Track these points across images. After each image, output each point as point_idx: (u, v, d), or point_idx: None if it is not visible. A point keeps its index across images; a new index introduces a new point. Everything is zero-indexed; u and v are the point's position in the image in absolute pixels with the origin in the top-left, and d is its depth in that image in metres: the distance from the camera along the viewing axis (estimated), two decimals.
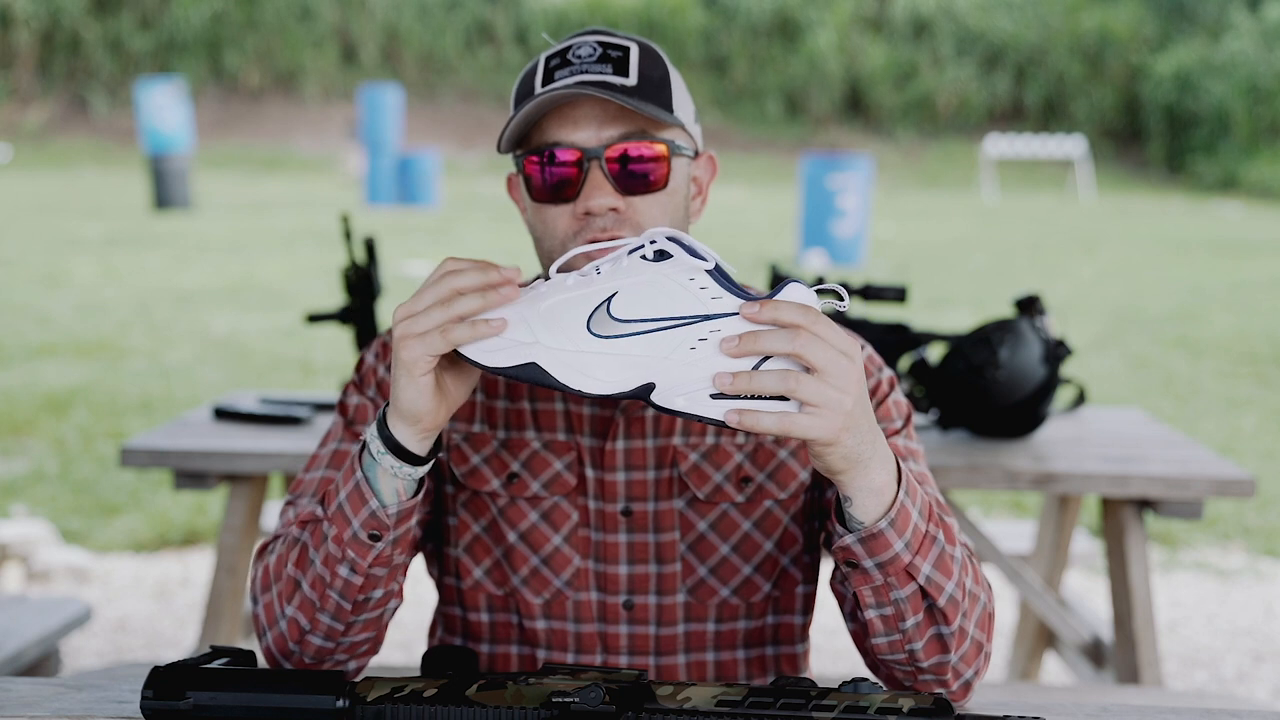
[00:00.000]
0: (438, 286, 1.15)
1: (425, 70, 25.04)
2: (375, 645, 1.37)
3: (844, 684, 1.08)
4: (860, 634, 1.30)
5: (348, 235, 2.67)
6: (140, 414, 6.08)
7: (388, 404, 1.21)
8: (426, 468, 1.23)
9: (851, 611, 1.29)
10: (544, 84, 1.35)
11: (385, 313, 5.81)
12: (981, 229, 15.32)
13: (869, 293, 2.42)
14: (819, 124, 24.79)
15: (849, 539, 1.19)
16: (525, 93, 1.37)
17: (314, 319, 2.73)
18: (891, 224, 15.22)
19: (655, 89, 1.35)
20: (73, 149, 22.58)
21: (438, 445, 1.24)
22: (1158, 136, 24.21)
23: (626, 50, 1.35)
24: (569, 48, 1.36)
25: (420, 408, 1.18)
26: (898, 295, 2.41)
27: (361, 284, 2.67)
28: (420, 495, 1.25)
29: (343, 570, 1.26)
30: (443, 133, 23.43)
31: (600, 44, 1.36)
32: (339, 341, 7.61)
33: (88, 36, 23.98)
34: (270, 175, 21.01)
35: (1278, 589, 4.27)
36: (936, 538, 1.22)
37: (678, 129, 1.37)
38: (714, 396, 1.10)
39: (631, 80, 1.34)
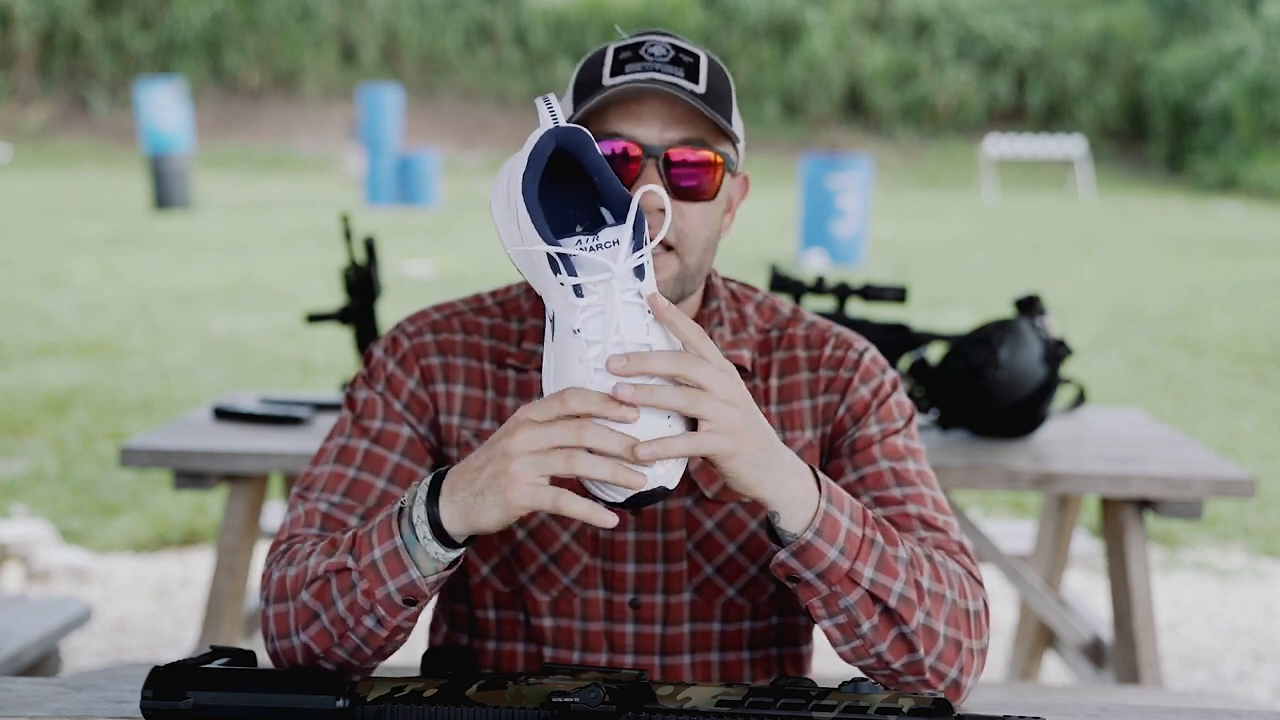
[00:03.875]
0: (573, 464, 1.09)
1: (425, 70, 25.04)
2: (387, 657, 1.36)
3: (844, 684, 1.08)
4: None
5: (348, 235, 2.67)
6: (140, 414, 6.08)
7: (436, 484, 1.17)
8: (465, 547, 1.20)
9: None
10: (613, 74, 1.35)
11: (385, 313, 5.81)
12: (981, 229, 15.32)
13: (869, 293, 2.43)
14: (819, 124, 24.79)
15: (783, 554, 1.20)
16: (591, 79, 1.36)
17: (314, 319, 2.73)
18: (891, 224, 15.22)
19: (721, 100, 1.36)
20: (73, 149, 22.58)
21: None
22: (1158, 136, 24.21)
23: (698, 58, 1.36)
24: (642, 43, 1.36)
25: (491, 527, 1.15)
26: (898, 295, 2.41)
27: (361, 284, 2.67)
28: (458, 563, 1.21)
29: (368, 621, 1.23)
30: (443, 133, 23.43)
31: (673, 46, 1.36)
32: (339, 341, 7.61)
33: (88, 36, 23.98)
34: (270, 175, 21.01)
35: (1278, 589, 4.27)
36: (874, 540, 1.23)
37: (731, 145, 1.38)
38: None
39: (700, 88, 1.34)
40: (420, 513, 1.17)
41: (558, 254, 1.11)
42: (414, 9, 25.11)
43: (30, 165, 21.03)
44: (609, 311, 1.10)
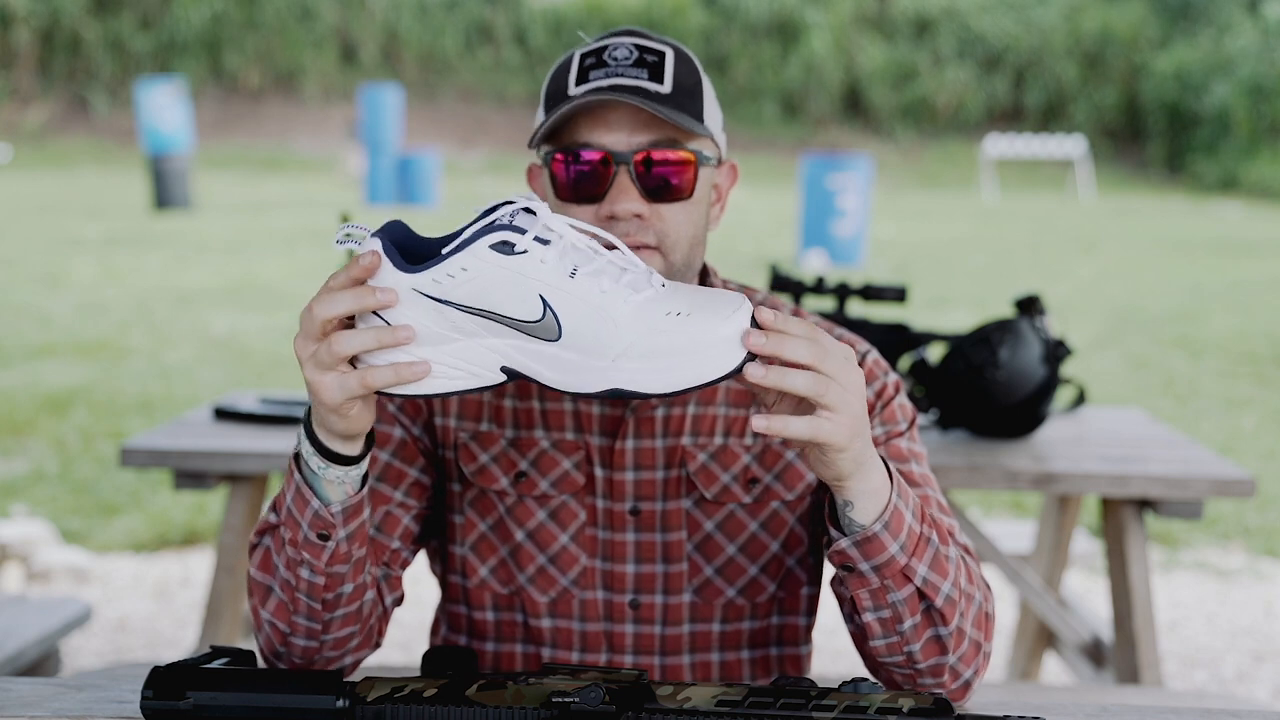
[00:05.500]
0: (333, 347, 1.12)
1: (425, 70, 25.04)
2: (369, 639, 1.36)
3: (844, 684, 1.08)
4: (860, 636, 1.30)
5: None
6: (140, 414, 6.08)
7: (309, 417, 1.20)
8: (366, 460, 1.23)
9: (850, 613, 1.30)
10: (578, 82, 1.35)
11: None
12: (981, 229, 15.32)
13: (869, 293, 2.43)
14: (818, 124, 24.79)
15: (844, 543, 1.20)
16: (558, 90, 1.37)
17: None
18: (891, 224, 15.21)
19: (688, 97, 1.35)
20: (73, 149, 22.57)
21: (370, 435, 1.23)
22: (1158, 136, 24.20)
23: (662, 55, 1.35)
24: (605, 48, 1.36)
25: (355, 430, 1.18)
26: (898, 295, 2.41)
27: None
28: (366, 487, 1.25)
29: (304, 572, 1.26)
30: (443, 133, 23.42)
31: (637, 47, 1.36)
32: None
33: (88, 36, 23.97)
34: (270, 175, 21.00)
35: (1278, 589, 4.27)
36: (930, 538, 1.23)
37: (706, 138, 1.38)
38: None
39: (665, 87, 1.34)
40: (307, 447, 1.21)
41: (500, 226, 1.12)
42: (414, 9, 25.11)
43: (30, 165, 21.02)
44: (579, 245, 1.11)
